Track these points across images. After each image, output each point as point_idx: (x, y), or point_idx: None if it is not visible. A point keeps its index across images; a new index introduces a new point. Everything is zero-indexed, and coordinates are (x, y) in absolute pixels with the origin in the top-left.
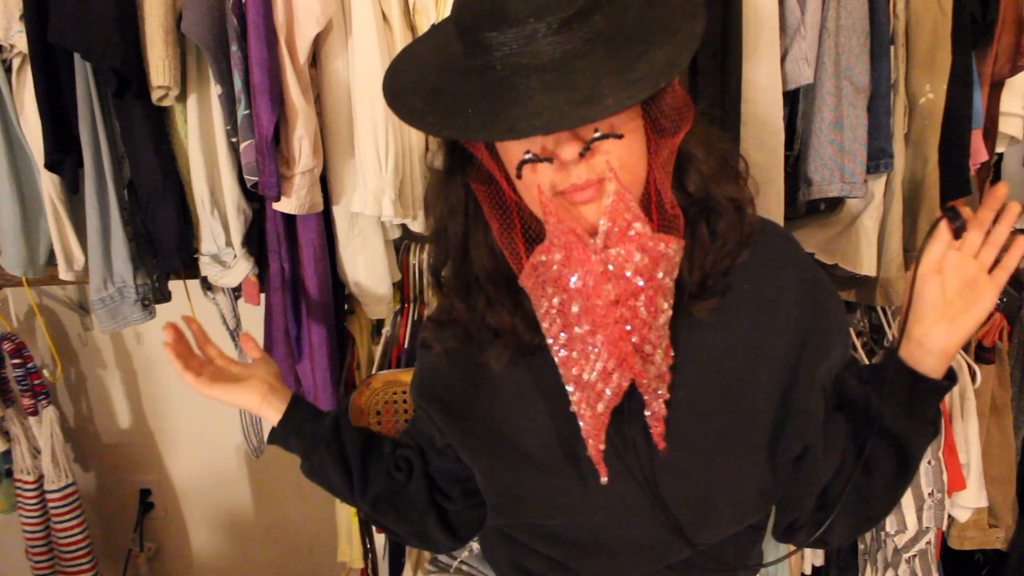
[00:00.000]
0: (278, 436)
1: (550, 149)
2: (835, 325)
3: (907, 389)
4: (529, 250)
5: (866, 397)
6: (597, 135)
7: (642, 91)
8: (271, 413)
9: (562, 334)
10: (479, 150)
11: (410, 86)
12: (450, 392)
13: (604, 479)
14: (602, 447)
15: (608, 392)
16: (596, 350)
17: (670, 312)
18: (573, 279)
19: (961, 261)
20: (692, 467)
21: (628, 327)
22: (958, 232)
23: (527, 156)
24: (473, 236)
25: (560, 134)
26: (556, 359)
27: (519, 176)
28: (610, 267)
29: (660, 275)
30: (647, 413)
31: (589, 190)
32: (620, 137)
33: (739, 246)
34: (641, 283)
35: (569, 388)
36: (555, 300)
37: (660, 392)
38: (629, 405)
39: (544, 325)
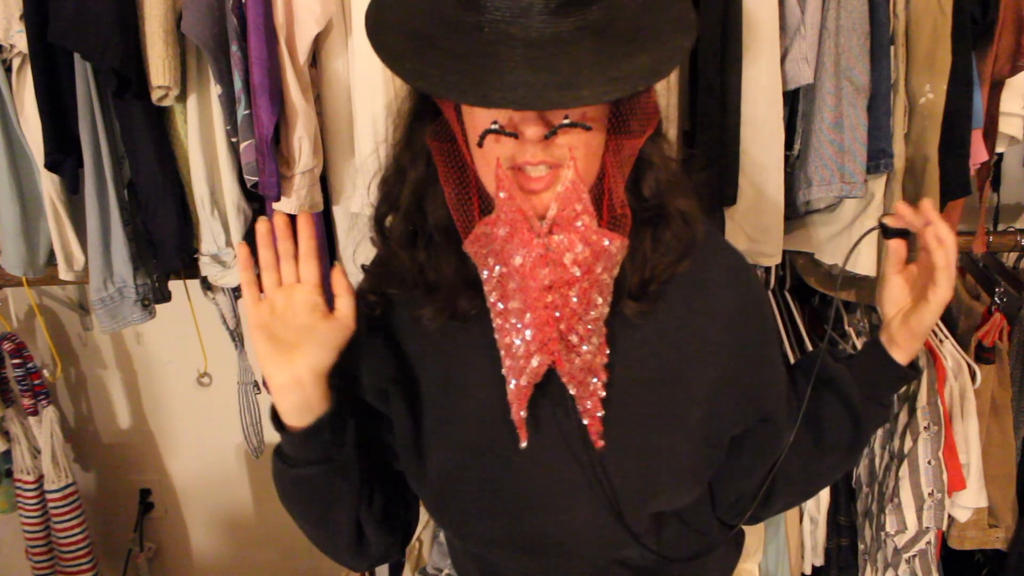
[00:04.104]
0: (306, 439)
1: (517, 124)
2: (770, 334)
3: (877, 369)
4: (480, 217)
5: (837, 375)
6: (566, 122)
7: (620, 90)
8: (306, 411)
9: (499, 304)
10: (447, 108)
11: (395, 22)
12: (393, 366)
13: (523, 443)
14: (523, 414)
15: (527, 369)
16: (522, 328)
17: (605, 309)
18: (517, 258)
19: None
20: (624, 456)
21: (557, 314)
22: (903, 235)
23: (493, 126)
24: (432, 186)
25: (529, 113)
26: (494, 324)
27: (480, 144)
28: (550, 252)
29: (599, 270)
30: (580, 409)
31: (542, 181)
32: (588, 129)
33: (682, 256)
34: (578, 274)
35: (502, 353)
36: (496, 270)
37: (593, 386)
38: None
39: (486, 290)
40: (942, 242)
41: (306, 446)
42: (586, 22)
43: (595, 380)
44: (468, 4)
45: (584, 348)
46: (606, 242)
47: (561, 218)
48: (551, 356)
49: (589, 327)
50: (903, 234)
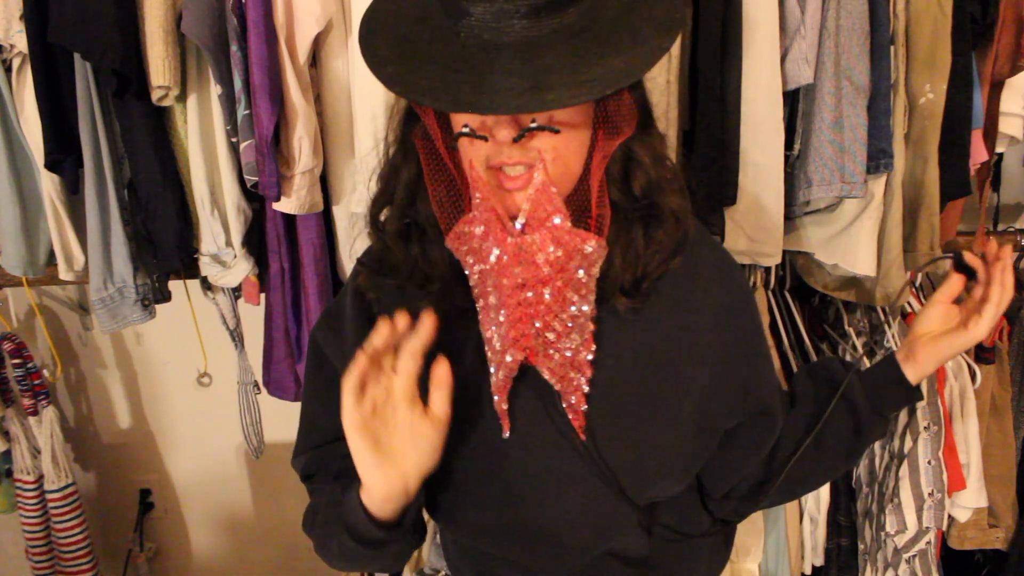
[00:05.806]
0: (400, 525)
1: (488, 127)
2: (759, 329)
3: (888, 385)
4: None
5: (846, 382)
6: (533, 125)
7: (588, 94)
8: (403, 507)
9: (481, 299)
10: (425, 112)
11: (385, 27)
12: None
13: (506, 434)
14: (505, 406)
15: (502, 363)
16: (499, 323)
17: (585, 306)
18: (492, 256)
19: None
20: (615, 446)
21: (531, 311)
22: (969, 274)
23: (464, 130)
24: (424, 182)
25: (501, 116)
26: (479, 318)
27: (453, 147)
28: (522, 251)
29: (573, 269)
30: (564, 404)
31: (519, 180)
32: (556, 132)
33: (674, 254)
34: (550, 273)
35: (486, 346)
36: (476, 267)
37: (577, 383)
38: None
39: (470, 285)
40: (1004, 285)
41: (399, 530)
42: (563, 25)
43: (579, 376)
44: (450, 11)
45: (563, 345)
46: (579, 241)
47: (533, 218)
48: (523, 352)
49: (568, 324)
50: (970, 273)
